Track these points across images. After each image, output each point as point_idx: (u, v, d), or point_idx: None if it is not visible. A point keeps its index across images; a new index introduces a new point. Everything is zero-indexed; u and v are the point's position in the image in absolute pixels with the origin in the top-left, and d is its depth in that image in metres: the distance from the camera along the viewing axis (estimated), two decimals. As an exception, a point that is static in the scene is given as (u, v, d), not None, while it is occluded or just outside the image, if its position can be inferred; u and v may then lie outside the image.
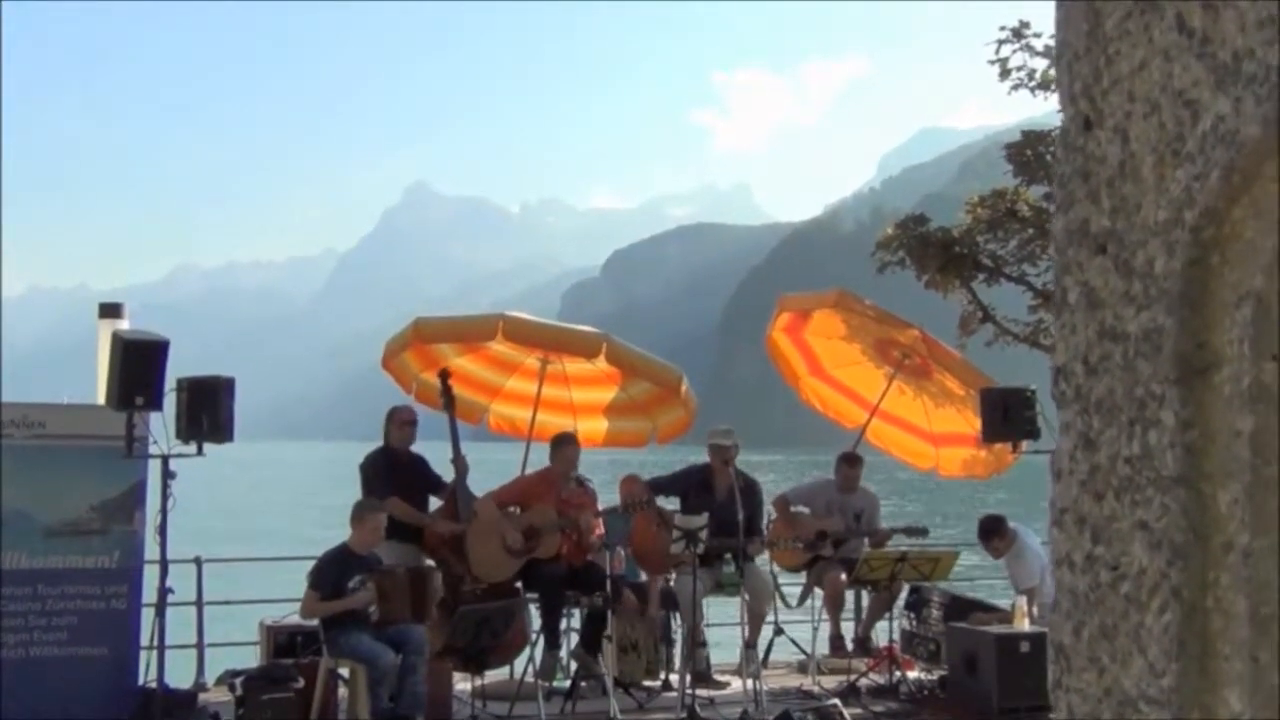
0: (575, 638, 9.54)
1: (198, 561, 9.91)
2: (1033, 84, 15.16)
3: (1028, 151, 15.45)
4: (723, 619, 10.54)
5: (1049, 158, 14.24)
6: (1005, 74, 15.22)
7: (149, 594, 8.22)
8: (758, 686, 8.82)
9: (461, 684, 8.77)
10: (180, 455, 7.90)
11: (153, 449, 7.99)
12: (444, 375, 9.81)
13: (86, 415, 8.54)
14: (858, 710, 8.74)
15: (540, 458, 9.82)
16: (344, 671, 8.17)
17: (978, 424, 10.37)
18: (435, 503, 9.46)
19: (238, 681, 8.20)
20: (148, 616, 8.22)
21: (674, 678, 9.30)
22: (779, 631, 10.19)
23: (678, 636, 9.63)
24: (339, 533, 8.59)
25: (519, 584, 9.21)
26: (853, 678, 9.41)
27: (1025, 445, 10.10)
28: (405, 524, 9.04)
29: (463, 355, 10.71)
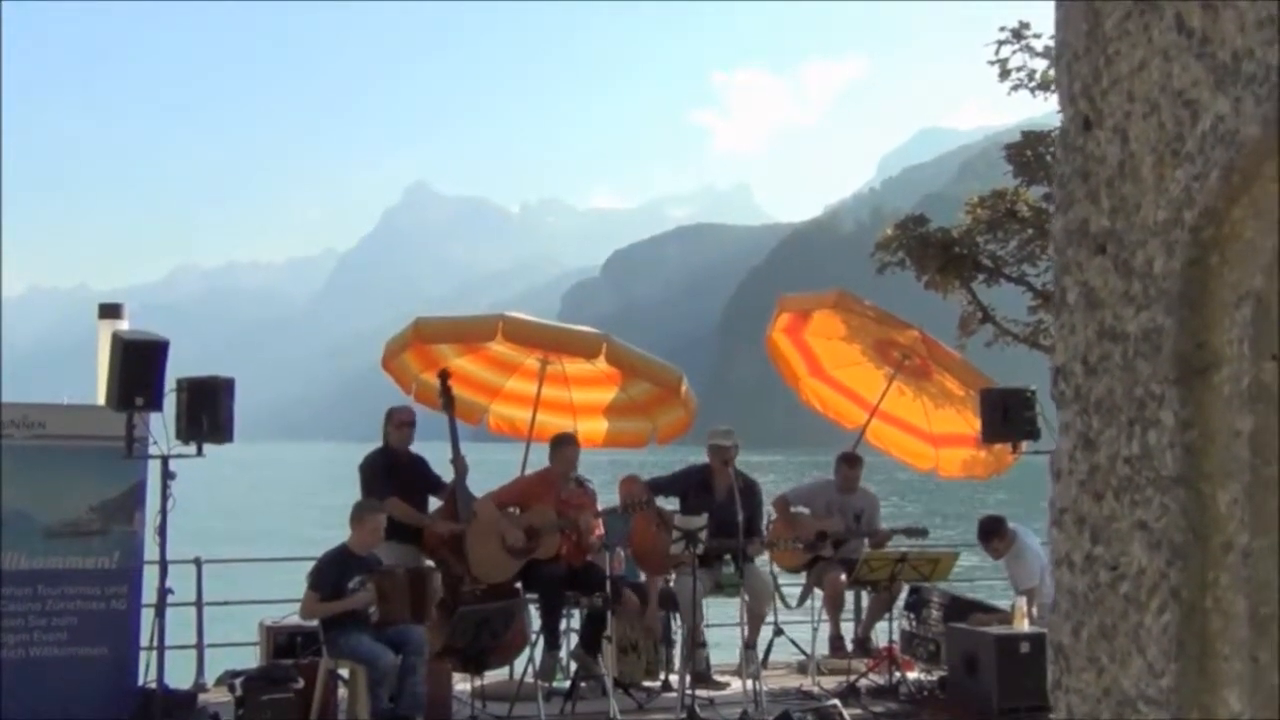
0: (575, 638, 9.54)
1: (197, 562, 9.91)
2: (1033, 84, 15.17)
3: (1027, 152, 15.46)
4: (722, 619, 10.54)
5: (1049, 158, 14.24)
6: (1005, 74, 15.24)
7: (149, 594, 8.21)
8: (757, 687, 8.82)
9: (461, 684, 8.77)
10: (180, 456, 7.90)
11: (152, 449, 7.99)
12: (443, 376, 9.81)
13: (86, 415, 8.54)
14: (857, 711, 8.74)
15: (540, 458, 9.82)
16: (344, 672, 8.17)
17: (977, 424, 10.37)
18: (435, 503, 9.46)
19: (237, 682, 8.20)
20: (147, 617, 8.22)
21: (674, 678, 9.30)
22: (779, 632, 10.19)
23: (677, 637, 9.63)
24: (339, 533, 8.59)
25: (519, 584, 9.21)
26: (852, 678, 9.41)
27: (1025, 446, 10.10)
28: (405, 524, 9.04)
29: (462, 356, 10.70)
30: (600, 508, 9.48)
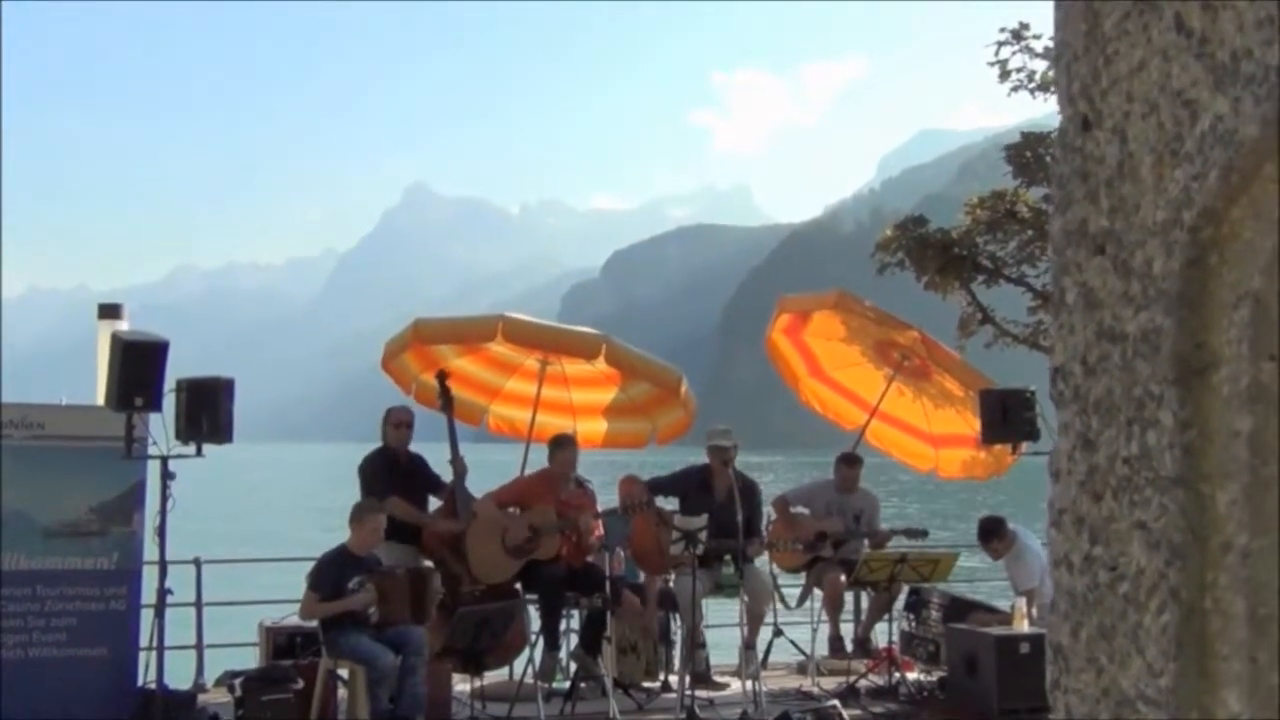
0: (574, 639, 9.54)
1: (197, 562, 9.91)
2: (1032, 85, 15.20)
3: (1027, 153, 15.49)
4: (722, 620, 10.54)
5: (1048, 159, 14.24)
6: (1005, 75, 15.26)
7: (148, 595, 8.21)
8: (757, 688, 8.82)
9: (461, 685, 8.77)
10: (179, 456, 7.90)
11: (152, 450, 7.99)
12: (441, 376, 9.80)
13: (86, 416, 8.54)
14: (857, 711, 8.74)
15: (539, 459, 9.82)
16: (343, 672, 8.17)
17: (977, 425, 10.37)
18: (435, 503, 9.46)
19: (237, 682, 8.20)
20: (147, 617, 8.22)
21: (673, 679, 9.31)
22: (778, 633, 10.20)
23: (677, 638, 9.63)
24: (338, 534, 8.59)
25: (518, 585, 9.21)
26: (852, 679, 9.40)
27: (1025, 446, 10.10)
28: (404, 525, 9.03)
29: (462, 356, 10.70)
30: (600, 508, 9.48)
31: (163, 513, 7.78)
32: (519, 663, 8.95)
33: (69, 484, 8.28)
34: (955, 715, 8.84)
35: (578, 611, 9.47)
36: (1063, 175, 1.25)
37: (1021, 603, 9.24)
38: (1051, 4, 1.28)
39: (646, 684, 9.38)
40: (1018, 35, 15.12)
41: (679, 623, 9.58)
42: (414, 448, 9.54)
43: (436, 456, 9.51)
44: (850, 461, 10.85)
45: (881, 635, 10.33)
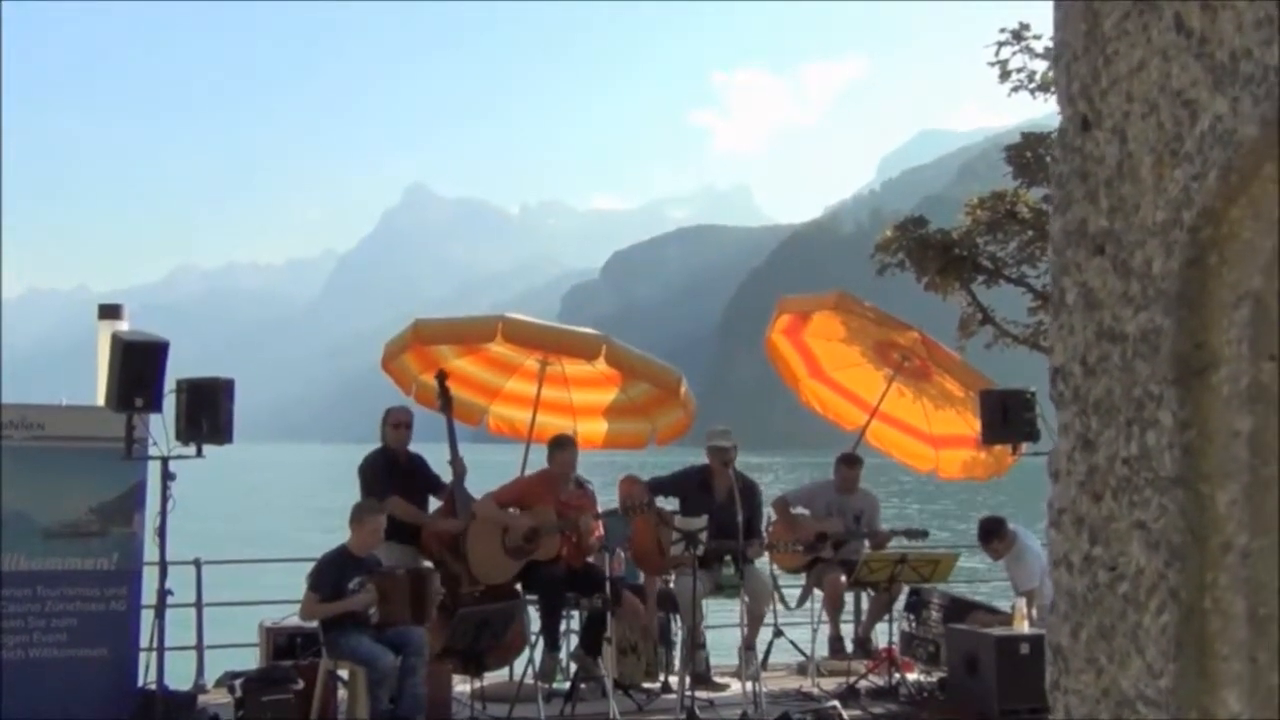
0: (574, 639, 9.54)
1: (197, 563, 9.92)
2: (1032, 86, 15.20)
3: (1027, 153, 15.49)
4: (722, 621, 10.54)
5: (1048, 159, 14.25)
6: (1005, 76, 15.27)
7: (148, 595, 8.21)
8: (757, 688, 8.82)
9: (461, 686, 8.77)
10: (180, 457, 7.90)
11: (152, 450, 7.99)
12: (441, 377, 9.80)
13: (86, 416, 8.54)
14: (857, 712, 8.74)
15: (540, 459, 9.82)
16: (343, 673, 8.17)
17: (977, 426, 10.37)
18: (435, 504, 9.46)
19: (237, 683, 8.20)
20: (147, 618, 8.22)
21: (673, 679, 9.31)
22: (778, 633, 10.19)
23: (677, 638, 9.63)
24: (339, 535, 8.59)
25: (518, 586, 9.21)
26: (852, 679, 9.40)
27: (1025, 447, 10.10)
28: (404, 525, 9.03)
29: (462, 357, 10.71)
30: (600, 509, 9.48)
31: (163, 513, 7.78)
32: (519, 663, 8.95)
33: (69, 485, 8.28)
34: (955, 716, 8.84)
35: (578, 612, 9.47)
36: (1062, 175, 1.25)
37: (1021, 603, 9.24)
38: (1051, 4, 1.28)
39: (646, 685, 9.38)
40: (1018, 35, 15.13)
41: (679, 623, 9.59)
42: (414, 448, 9.54)
43: (436, 457, 9.51)
44: (850, 462, 10.85)
45: (882, 636, 10.33)
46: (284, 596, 9.44)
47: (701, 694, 8.79)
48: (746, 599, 9.18)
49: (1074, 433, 1.22)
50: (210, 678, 9.45)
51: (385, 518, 8.48)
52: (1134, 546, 1.14)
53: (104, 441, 8.07)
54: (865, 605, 10.73)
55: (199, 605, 9.81)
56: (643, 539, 9.49)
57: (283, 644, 8.82)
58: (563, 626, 9.44)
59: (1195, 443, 1.09)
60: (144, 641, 8.33)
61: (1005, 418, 9.78)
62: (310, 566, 8.32)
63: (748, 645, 9.23)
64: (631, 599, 9.36)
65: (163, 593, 7.87)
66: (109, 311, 10.03)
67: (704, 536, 8.65)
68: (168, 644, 8.13)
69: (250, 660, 9.27)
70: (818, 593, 10.32)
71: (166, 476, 7.82)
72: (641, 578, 9.90)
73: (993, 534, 10.02)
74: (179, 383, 7.95)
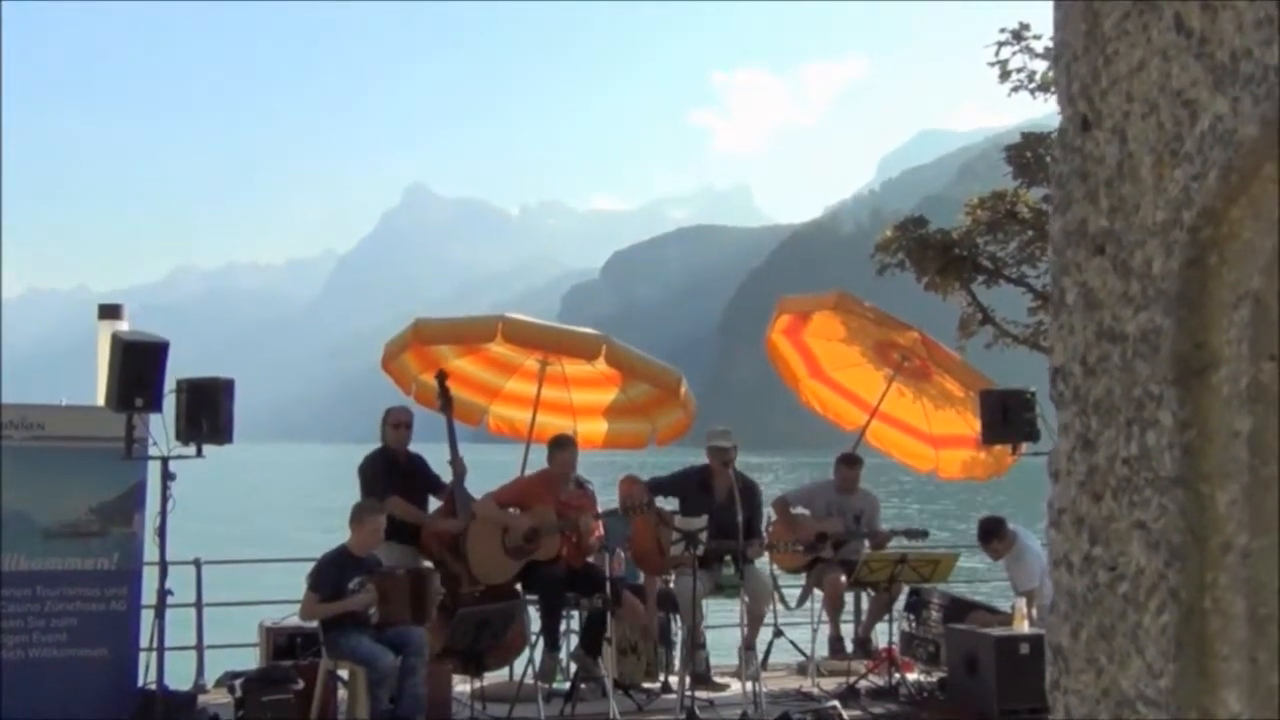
0: (574, 639, 9.54)
1: (197, 563, 9.92)
2: (1033, 86, 15.20)
3: (1027, 153, 15.49)
4: (722, 621, 10.54)
5: (1048, 159, 14.25)
6: (1005, 76, 15.27)
7: (148, 595, 8.21)
8: (757, 688, 8.82)
9: (461, 686, 8.77)
10: (180, 457, 7.90)
11: (152, 451, 7.99)
12: (441, 377, 9.80)
13: (86, 416, 8.54)
14: (857, 712, 8.74)
15: (540, 459, 9.82)
16: (343, 673, 8.17)
17: (977, 426, 10.37)
18: (435, 504, 9.46)
19: (237, 683, 8.20)
20: (147, 618, 8.22)
21: (673, 679, 9.31)
22: (778, 633, 10.19)
23: (677, 638, 9.63)
24: (338, 535, 8.59)
25: (518, 586, 9.21)
26: (852, 679, 9.40)
27: (1025, 447, 10.10)
28: (404, 525, 9.03)
29: (462, 357, 10.71)
30: (600, 509, 9.48)
31: (163, 513, 7.78)
32: (519, 663, 8.95)
33: (69, 485, 8.28)
34: (955, 716, 8.84)
35: (578, 612, 9.47)
36: (1062, 175, 1.25)
37: (1021, 603, 9.24)
38: (1051, 4, 1.28)
39: (646, 685, 9.38)
40: (1018, 35, 15.13)
41: (679, 623, 9.58)
42: (414, 448, 9.54)
43: (436, 457, 9.51)
44: (850, 462, 10.85)
45: (882, 636, 10.33)
46: (284, 596, 9.44)
47: (701, 694, 8.79)
48: (746, 599, 9.18)
49: (1074, 433, 1.22)
50: (210, 678, 9.45)
51: (385, 518, 8.48)
52: (1134, 546, 1.14)
53: (104, 441, 8.07)
54: (865, 605, 10.73)
55: (199, 605, 9.81)
56: (643, 539, 9.49)
57: (283, 644, 8.82)
58: (563, 626, 9.44)
59: (1195, 443, 1.09)
60: (144, 641, 8.33)
61: (1005, 418, 9.78)
62: (310, 566, 8.32)
63: (748, 645, 9.23)
64: (631, 600, 9.36)
65: (163, 593, 7.87)
66: (109, 311, 10.03)
67: (704, 536, 8.65)
68: (168, 644, 8.13)
69: (250, 660, 9.27)
70: (818, 593, 10.32)
71: (166, 476, 7.82)
72: (641, 578, 9.90)
73: (992, 534, 10.02)
74: (179, 383, 7.95)
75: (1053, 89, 1.31)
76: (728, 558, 9.28)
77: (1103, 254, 1.19)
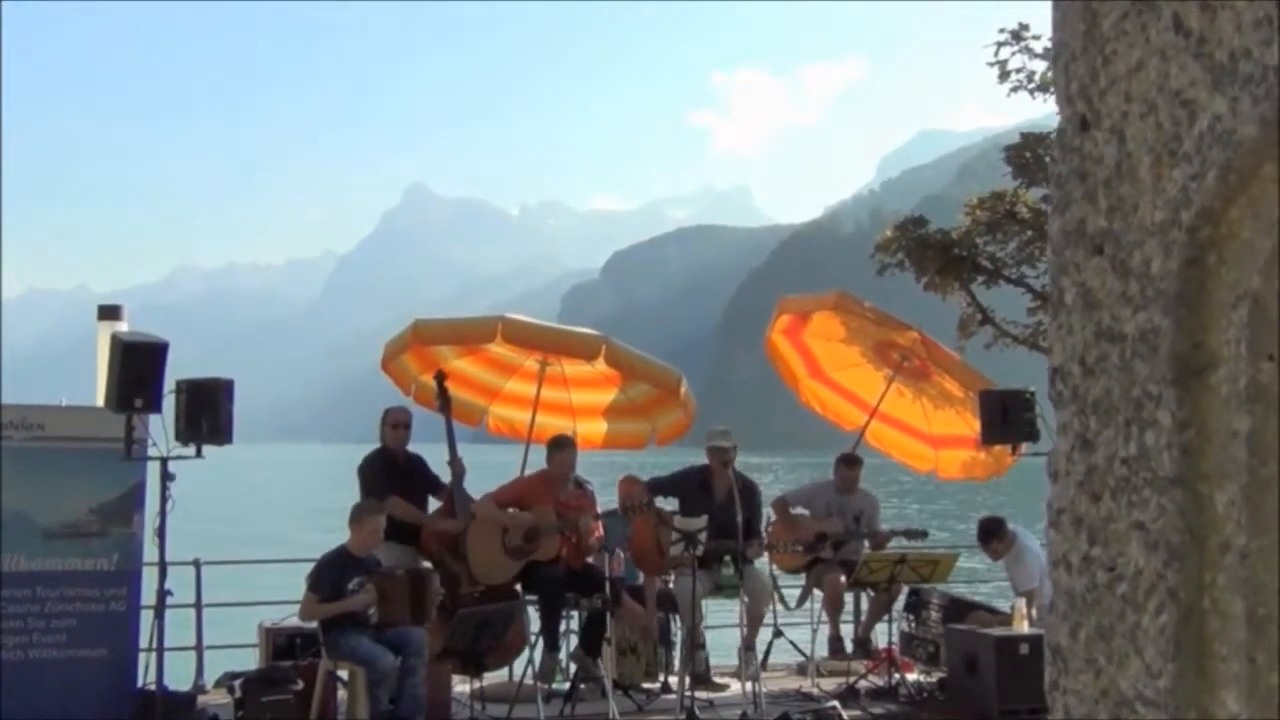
0: (574, 640, 9.54)
1: (196, 564, 9.91)
2: (1032, 86, 15.19)
3: (1027, 153, 15.48)
4: (722, 621, 10.54)
5: (1048, 159, 14.25)
6: (1004, 76, 15.26)
7: (148, 596, 8.21)
8: (757, 689, 8.82)
9: (461, 686, 8.77)
10: (179, 457, 7.90)
11: (152, 451, 7.99)
12: (439, 377, 9.80)
13: (86, 417, 8.54)
14: (857, 712, 8.74)
15: (539, 460, 9.82)
16: (343, 674, 8.16)
17: (977, 426, 10.37)
18: (435, 504, 9.46)
19: (237, 684, 8.20)
20: (147, 618, 8.22)
21: (673, 680, 9.30)
22: (778, 634, 10.19)
23: (677, 639, 9.63)
24: (338, 535, 8.59)
25: (518, 586, 9.21)
26: (852, 680, 9.40)
27: (1024, 447, 10.10)
28: (404, 525, 9.03)
29: (462, 357, 10.71)
30: (600, 509, 9.48)
31: (162, 514, 7.78)
32: (519, 664, 8.95)
33: (69, 485, 8.28)
34: (955, 716, 8.84)
35: (577, 613, 9.47)
36: (1061, 175, 1.25)
37: (1021, 603, 9.24)
38: (1050, 4, 1.27)
39: (646, 685, 9.38)
40: (1017, 36, 15.12)
41: (679, 624, 9.58)
42: (415, 448, 9.54)
43: (436, 457, 9.51)
44: (850, 462, 10.85)
45: (881, 636, 10.33)
46: (283, 597, 9.44)
47: (701, 694, 8.79)
48: (746, 599, 9.18)
49: (1073, 433, 1.22)
50: (210, 678, 9.45)
51: (385, 518, 8.48)
52: (1133, 547, 1.14)
53: (104, 442, 8.07)
54: (865, 605, 10.73)
55: (198, 606, 9.81)
56: (642, 539, 9.48)
57: (282, 644, 8.82)
58: (562, 627, 9.44)
59: (1194, 443, 1.09)
60: (143, 642, 8.33)
61: (1005, 418, 9.78)
62: (310, 567, 8.32)
63: (747, 645, 9.23)
64: (630, 604, 9.34)
65: (162, 593, 7.87)
66: (109, 312, 10.03)
67: (703, 537, 8.65)
68: (167, 644, 8.13)
69: (250, 661, 9.27)
70: (817, 593, 10.32)
71: (166, 477, 7.82)
72: (641, 578, 9.89)
73: (992, 534, 10.02)
74: (179, 383, 7.95)
75: (1052, 89, 1.31)
76: (727, 558, 9.27)
77: (1101, 254, 1.19)
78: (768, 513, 10.35)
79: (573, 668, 9.33)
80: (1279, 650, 1.04)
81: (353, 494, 9.08)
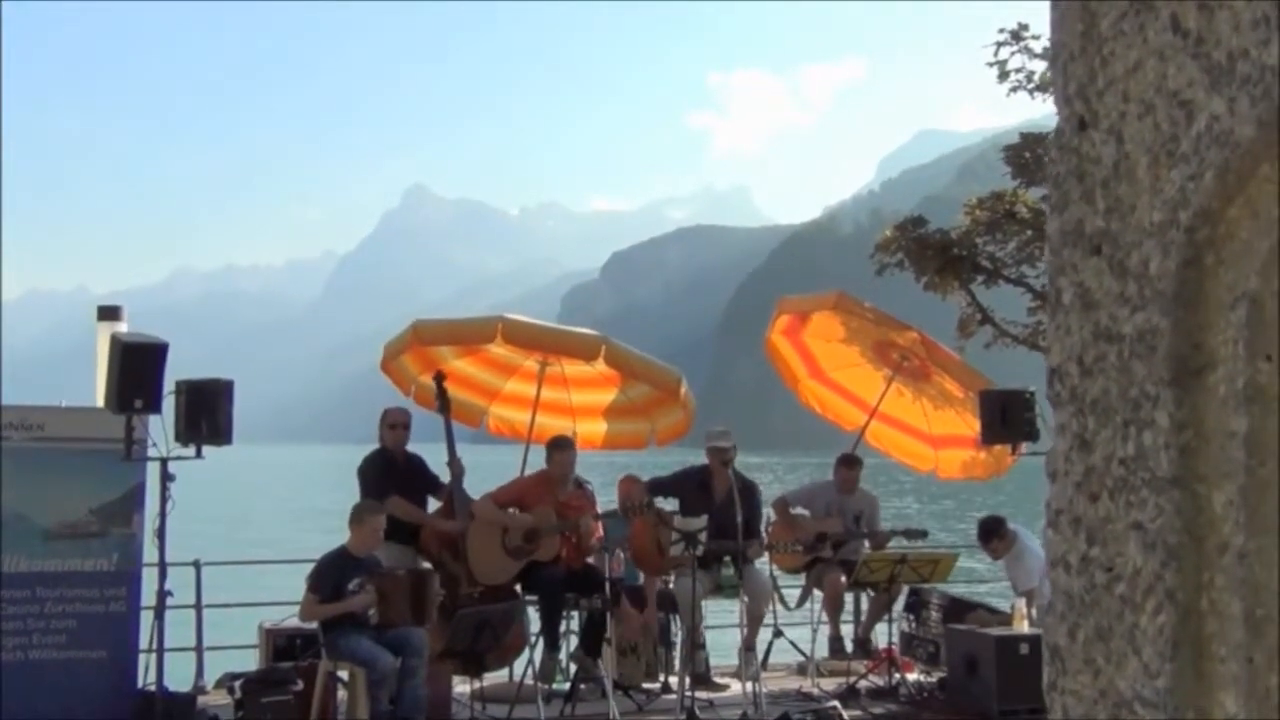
0: (574, 640, 9.54)
1: (196, 564, 9.91)
2: (1031, 86, 15.21)
3: (1026, 154, 15.49)
4: (722, 621, 10.53)
5: (1047, 160, 14.26)
6: (1004, 76, 15.27)
7: (148, 597, 8.21)
8: (757, 689, 8.82)
9: (461, 686, 8.77)
10: (179, 458, 7.90)
11: (152, 452, 7.99)
12: (439, 378, 9.80)
13: (86, 418, 8.54)
14: (857, 712, 8.74)
15: (539, 460, 9.82)
16: (343, 674, 8.16)
17: (977, 426, 10.36)
18: (435, 504, 9.45)
19: (237, 684, 8.20)
20: (147, 619, 8.22)
21: (673, 680, 9.30)
22: (778, 634, 10.18)
23: (677, 639, 9.62)
24: (338, 535, 8.59)
25: (518, 586, 9.21)
26: (852, 680, 9.40)
27: (1024, 447, 10.09)
28: (404, 526, 9.03)
29: (462, 358, 10.70)
30: (600, 509, 9.48)
31: (162, 514, 7.78)
32: (519, 664, 8.94)
33: (69, 486, 8.27)
34: (955, 716, 8.84)
35: (577, 613, 9.47)
36: (1059, 175, 1.25)
37: (1021, 603, 9.24)
38: (1049, 4, 1.27)
39: (646, 685, 9.37)
40: (1017, 36, 15.13)
41: (679, 624, 9.58)
42: (415, 449, 9.54)
43: (436, 457, 9.51)
44: (850, 462, 10.85)
45: (881, 636, 10.32)
46: (283, 597, 9.43)
47: (701, 694, 8.79)
48: (746, 599, 9.17)
49: (1071, 433, 1.22)
50: (210, 679, 9.44)
51: (385, 518, 8.47)
52: (1131, 547, 1.14)
53: (104, 443, 8.07)
54: (865, 605, 10.73)
55: (198, 606, 9.81)
56: (642, 539, 9.48)
57: (282, 645, 8.81)
58: (562, 627, 9.44)
59: (1192, 443, 1.09)
60: (143, 643, 8.33)
61: (1004, 418, 9.78)
62: (310, 567, 8.32)
63: (747, 646, 9.23)
64: (626, 609, 9.32)
65: (162, 594, 7.87)
66: (108, 313, 10.03)
67: (703, 537, 8.65)
68: (167, 645, 8.13)
69: (250, 661, 9.26)
70: (817, 593, 10.31)
71: (166, 478, 7.82)
72: (641, 578, 9.89)
73: (992, 534, 10.02)
74: (178, 384, 7.95)
75: (1051, 89, 1.31)
76: (727, 558, 9.27)
77: (1099, 254, 1.19)
78: (768, 513, 10.35)
79: (573, 668, 9.33)
80: (1277, 651, 1.04)
81: (352, 495, 9.08)
